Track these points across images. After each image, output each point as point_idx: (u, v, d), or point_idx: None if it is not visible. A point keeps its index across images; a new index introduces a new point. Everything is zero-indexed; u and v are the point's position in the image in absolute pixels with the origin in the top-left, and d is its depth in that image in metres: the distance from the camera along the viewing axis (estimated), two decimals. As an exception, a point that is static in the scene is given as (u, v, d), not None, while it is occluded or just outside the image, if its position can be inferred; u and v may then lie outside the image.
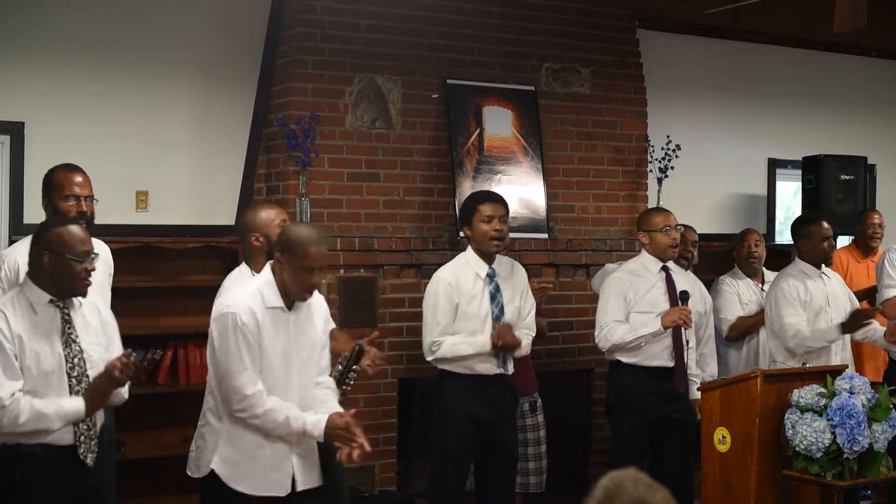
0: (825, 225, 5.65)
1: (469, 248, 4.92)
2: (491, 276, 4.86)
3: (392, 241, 5.79)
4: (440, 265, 5.29)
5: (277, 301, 3.71)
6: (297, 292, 3.73)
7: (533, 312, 5.04)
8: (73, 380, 3.62)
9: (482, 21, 6.27)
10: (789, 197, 8.12)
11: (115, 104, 5.71)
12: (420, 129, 6.07)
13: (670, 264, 5.28)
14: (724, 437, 4.89)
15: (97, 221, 4.48)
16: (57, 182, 4.34)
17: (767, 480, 4.79)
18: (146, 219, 5.77)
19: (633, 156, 6.74)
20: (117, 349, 3.86)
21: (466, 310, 4.81)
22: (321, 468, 4.34)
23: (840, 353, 5.56)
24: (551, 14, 6.50)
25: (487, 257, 4.88)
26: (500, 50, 6.33)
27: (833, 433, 4.56)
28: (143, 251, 5.58)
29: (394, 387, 5.83)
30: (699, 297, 5.39)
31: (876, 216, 6.78)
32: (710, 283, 6.39)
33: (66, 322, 3.66)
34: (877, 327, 5.60)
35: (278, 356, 3.70)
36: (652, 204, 6.70)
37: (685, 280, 5.33)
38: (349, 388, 4.28)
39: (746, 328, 6.12)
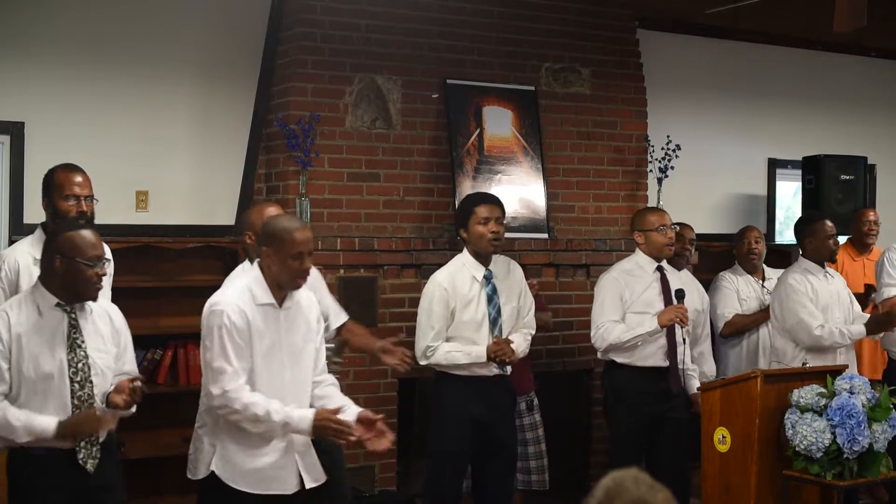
0: (829, 223, 5.68)
1: (465, 251, 4.88)
2: (488, 278, 4.84)
3: (392, 241, 5.79)
4: (440, 265, 5.28)
5: (268, 298, 3.71)
6: (291, 281, 3.73)
7: (532, 310, 5.03)
8: (76, 385, 3.61)
9: (482, 21, 6.27)
10: (789, 197, 8.12)
11: (115, 104, 5.71)
12: (420, 129, 6.07)
13: (664, 264, 5.28)
14: (724, 437, 4.89)
15: (97, 221, 4.46)
16: (57, 182, 4.34)
17: (767, 480, 4.79)
18: (146, 219, 5.77)
19: (633, 156, 6.74)
20: (130, 360, 3.87)
21: (462, 316, 4.78)
22: (323, 469, 4.36)
23: (845, 353, 5.58)
24: (551, 14, 6.50)
25: (484, 259, 4.85)
26: (500, 50, 6.33)
27: (833, 433, 4.57)
28: (143, 251, 5.58)
29: (394, 387, 5.83)
30: (696, 295, 5.40)
31: (871, 213, 6.79)
32: (709, 283, 6.40)
33: (73, 327, 3.65)
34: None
35: (269, 353, 3.69)
36: (652, 204, 6.70)
37: (679, 279, 5.34)
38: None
39: (742, 326, 6.12)
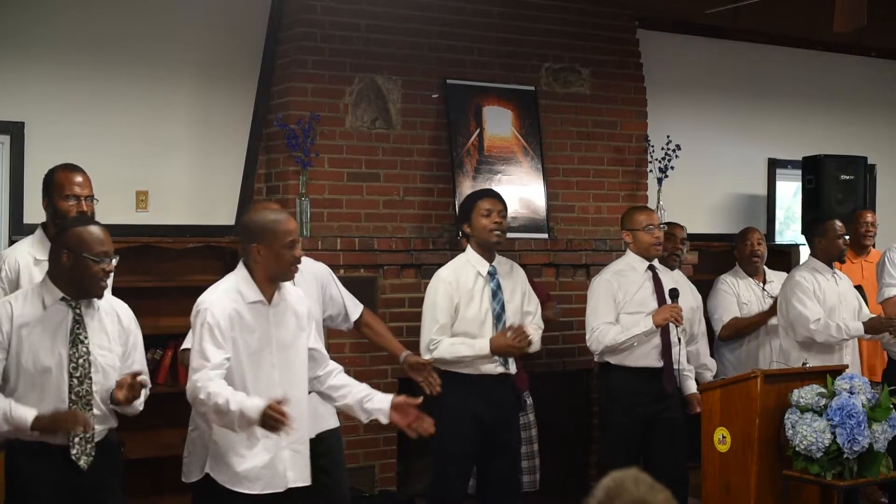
0: (839, 223, 5.76)
1: (469, 248, 4.90)
2: (492, 274, 4.85)
3: (392, 241, 5.79)
4: (440, 265, 5.28)
5: (257, 296, 3.70)
6: (287, 271, 3.73)
7: (539, 311, 5.04)
8: (75, 380, 3.62)
9: (482, 21, 6.27)
10: (789, 197, 8.12)
11: (115, 104, 5.71)
12: (420, 129, 6.07)
13: (655, 263, 5.28)
14: (724, 437, 4.89)
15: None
16: (57, 182, 4.34)
17: (767, 480, 4.79)
18: (146, 219, 5.77)
19: (633, 156, 6.74)
20: (139, 360, 3.87)
21: (465, 312, 4.79)
22: (323, 469, 4.36)
23: (850, 354, 5.60)
24: (551, 14, 6.50)
25: (488, 254, 4.87)
26: (500, 50, 6.33)
27: (833, 433, 4.57)
28: (143, 251, 5.57)
29: (394, 387, 5.82)
30: (689, 293, 5.41)
31: (868, 215, 6.79)
32: (709, 284, 6.40)
33: (77, 322, 3.66)
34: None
35: (258, 350, 3.68)
36: (652, 204, 6.70)
37: (671, 279, 5.34)
38: None
39: (741, 328, 6.11)
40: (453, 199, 6.00)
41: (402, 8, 6.03)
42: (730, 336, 6.14)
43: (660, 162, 6.75)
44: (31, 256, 4.17)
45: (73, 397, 3.62)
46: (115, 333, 3.76)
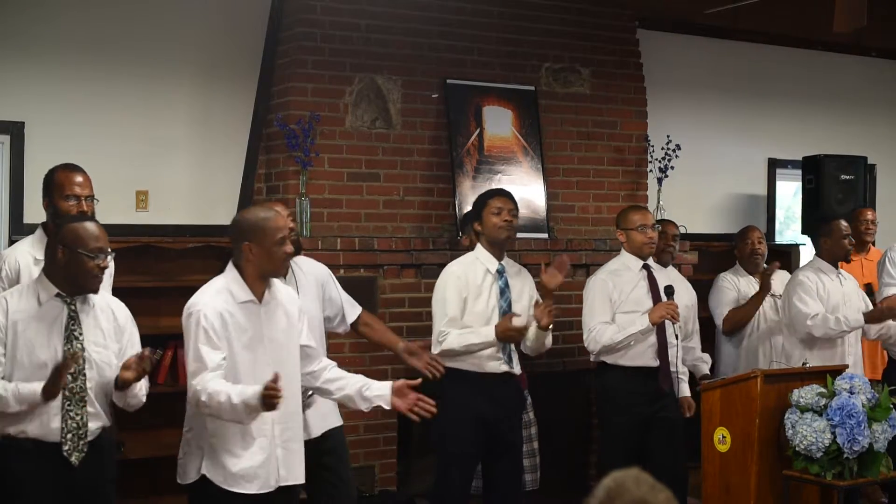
0: (844, 223, 5.76)
1: (479, 246, 4.93)
2: (500, 272, 4.88)
3: (392, 241, 5.79)
4: (440, 265, 5.28)
5: (248, 295, 3.70)
6: (279, 267, 3.74)
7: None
8: (69, 376, 3.61)
9: (482, 21, 6.27)
10: (789, 197, 8.12)
11: (115, 104, 5.71)
12: (420, 129, 6.07)
13: (650, 262, 5.29)
14: (724, 437, 4.89)
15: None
16: (57, 182, 4.34)
17: (767, 480, 4.79)
18: (146, 219, 5.77)
19: (633, 156, 6.74)
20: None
21: (473, 307, 4.81)
22: (328, 467, 4.36)
23: (853, 354, 5.59)
24: (551, 14, 6.50)
25: (498, 252, 4.90)
26: (500, 50, 6.33)
27: (833, 433, 4.57)
28: (143, 251, 5.57)
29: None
30: (684, 291, 5.41)
31: (868, 213, 6.79)
32: (709, 284, 6.40)
33: (72, 318, 3.67)
34: (889, 324, 5.68)
35: (251, 350, 3.68)
36: (652, 204, 6.70)
37: (666, 277, 5.34)
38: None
39: (740, 318, 6.11)
40: (453, 199, 6.00)
41: (402, 8, 6.03)
42: (732, 329, 6.14)
43: (660, 162, 6.75)
44: (31, 256, 4.18)
45: (67, 393, 3.63)
46: (111, 330, 3.77)
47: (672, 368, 5.16)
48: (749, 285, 6.24)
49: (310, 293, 4.45)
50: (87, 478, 3.69)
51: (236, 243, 3.74)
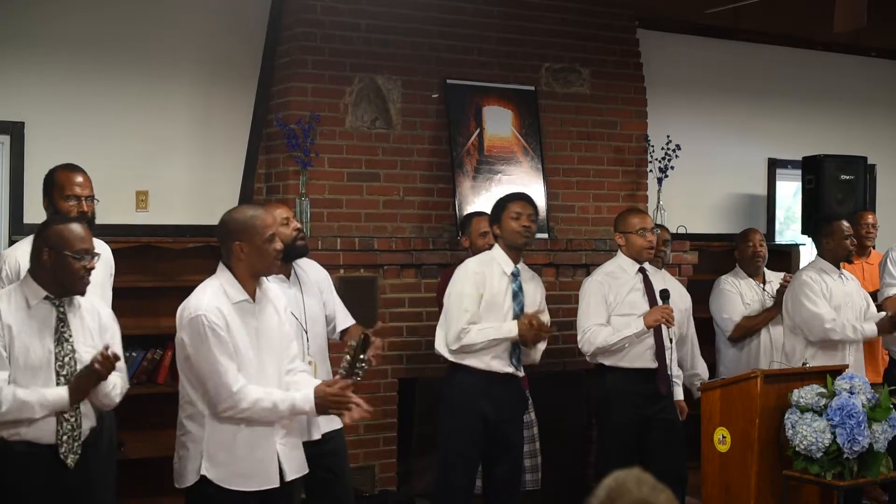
0: (846, 223, 5.77)
1: (496, 247, 4.95)
2: (515, 275, 4.89)
3: (392, 241, 5.79)
4: (440, 265, 5.29)
5: (242, 295, 3.70)
6: (271, 265, 3.74)
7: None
8: (62, 378, 3.62)
9: (482, 21, 6.27)
10: (789, 197, 8.12)
11: (115, 104, 5.71)
12: (420, 129, 6.07)
13: (646, 265, 5.29)
14: (724, 437, 4.89)
15: (97, 221, 4.48)
16: (58, 182, 4.34)
17: (767, 480, 4.79)
18: (146, 219, 5.77)
19: (633, 156, 6.74)
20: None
21: (487, 305, 4.83)
22: (329, 469, 4.36)
23: (854, 354, 5.60)
24: (551, 14, 6.50)
25: (515, 255, 4.92)
26: (500, 50, 6.33)
27: (833, 433, 4.57)
28: (143, 251, 5.57)
29: (394, 387, 5.83)
30: (678, 295, 5.41)
31: (869, 216, 6.79)
32: (709, 284, 6.40)
33: (61, 320, 3.66)
34: None
35: (250, 348, 3.68)
36: (652, 204, 6.70)
37: (662, 280, 5.34)
38: (360, 377, 4.26)
39: (751, 328, 6.13)
40: (453, 199, 6.00)
41: (402, 8, 6.02)
42: (740, 336, 6.15)
43: (660, 162, 6.74)
44: (31, 256, 4.17)
45: None
46: (97, 331, 3.77)
47: (667, 369, 5.16)
48: (750, 288, 6.24)
49: (313, 295, 4.47)
50: (81, 478, 3.68)
51: (226, 243, 3.73)
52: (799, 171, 7.48)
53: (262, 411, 3.61)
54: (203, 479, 3.65)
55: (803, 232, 7.28)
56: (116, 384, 3.79)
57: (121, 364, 3.82)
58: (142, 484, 5.44)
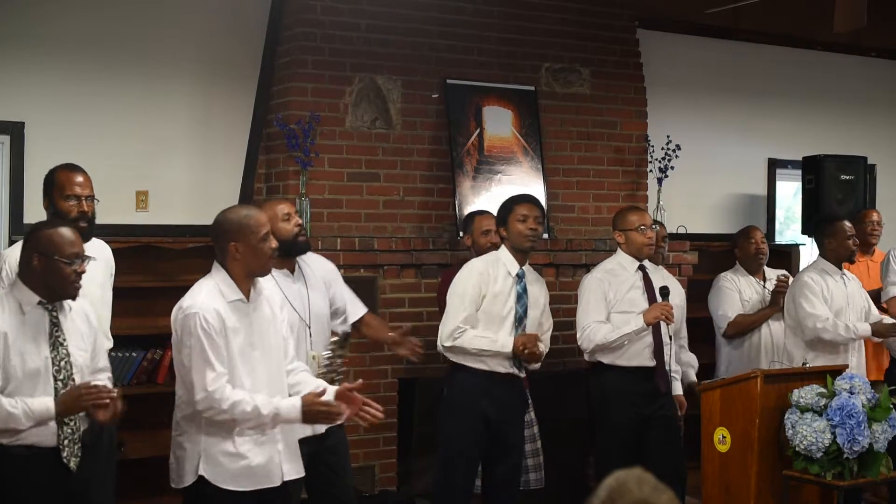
0: (848, 224, 5.79)
1: (503, 248, 4.95)
2: (520, 277, 4.90)
3: (392, 241, 5.79)
4: (440, 265, 5.29)
5: (237, 294, 3.70)
6: (266, 264, 3.74)
7: (550, 332, 5.08)
8: (59, 383, 3.60)
9: (482, 21, 6.27)
10: (789, 197, 8.12)
11: (115, 104, 5.71)
12: (420, 129, 6.07)
13: (646, 263, 5.29)
14: (724, 437, 4.89)
15: (97, 221, 4.47)
16: (58, 182, 4.33)
17: (767, 480, 4.79)
18: (146, 219, 5.77)
19: (633, 156, 6.74)
20: (103, 356, 3.88)
21: (490, 306, 4.83)
22: (330, 466, 4.36)
23: (857, 356, 5.60)
24: (551, 14, 6.50)
25: (521, 257, 4.93)
26: (500, 50, 6.33)
27: (833, 433, 4.57)
28: (143, 251, 5.57)
29: (394, 387, 5.83)
30: (675, 292, 5.41)
31: (874, 214, 6.79)
32: (709, 284, 6.40)
33: (55, 325, 3.64)
34: None
35: (245, 349, 3.68)
36: (652, 204, 6.70)
37: (661, 278, 5.34)
38: (340, 378, 4.27)
39: (746, 325, 6.12)
40: (453, 199, 6.00)
41: (402, 8, 6.02)
42: (735, 333, 6.15)
43: (660, 162, 6.74)
44: (31, 256, 4.16)
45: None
46: (87, 333, 3.76)
47: (666, 367, 5.16)
48: (749, 286, 6.24)
49: (318, 290, 4.46)
50: (82, 479, 3.68)
51: (221, 244, 3.72)
52: (799, 171, 7.48)
53: (243, 414, 3.55)
54: (200, 479, 3.64)
55: (803, 232, 7.28)
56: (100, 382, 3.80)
57: (108, 365, 3.86)
58: (142, 484, 5.44)
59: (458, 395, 4.84)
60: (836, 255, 5.70)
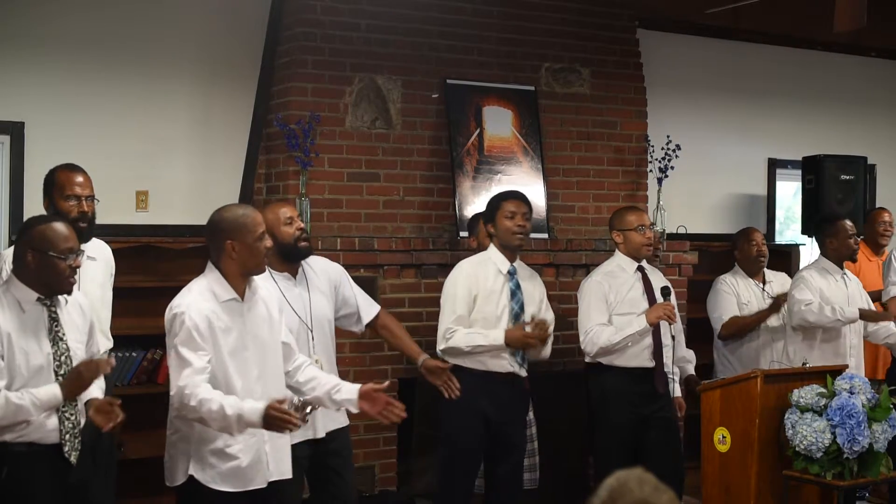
0: (849, 223, 5.80)
1: (491, 246, 4.95)
2: (512, 273, 4.89)
3: (392, 241, 5.78)
4: (440, 265, 5.29)
5: (230, 294, 3.70)
6: (260, 263, 3.74)
7: (553, 324, 5.06)
8: (60, 377, 3.60)
9: (482, 21, 6.27)
10: (789, 197, 8.12)
11: (115, 104, 5.71)
12: (420, 129, 6.07)
13: (644, 263, 5.29)
14: (724, 437, 4.89)
15: (97, 221, 4.48)
16: (58, 182, 4.34)
17: (767, 480, 4.79)
18: (146, 219, 5.77)
19: (633, 156, 6.73)
20: (96, 340, 3.87)
21: (484, 306, 4.83)
22: (332, 468, 4.36)
23: (855, 356, 5.60)
24: (551, 14, 6.50)
25: (510, 255, 4.92)
26: (500, 50, 6.33)
27: (833, 433, 4.57)
28: (143, 251, 5.57)
29: (394, 387, 5.82)
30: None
31: (886, 214, 6.79)
32: (709, 284, 6.40)
33: (54, 320, 3.64)
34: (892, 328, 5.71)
35: (237, 349, 3.67)
36: (652, 204, 6.70)
37: (660, 278, 5.34)
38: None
39: (741, 327, 6.11)
40: (453, 199, 6.00)
41: (402, 8, 6.02)
42: (730, 335, 6.14)
43: (660, 162, 6.74)
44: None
45: None
46: (82, 325, 3.77)
47: (665, 369, 5.16)
48: (748, 288, 6.23)
49: (321, 293, 4.44)
50: (82, 477, 3.68)
51: (217, 243, 3.73)
52: (799, 171, 7.48)
53: (209, 413, 3.50)
54: (191, 478, 3.65)
55: (803, 232, 7.28)
56: (95, 383, 3.79)
57: (101, 347, 3.87)
58: (142, 484, 5.44)
59: (459, 395, 4.84)
60: (838, 254, 5.70)
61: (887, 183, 8.38)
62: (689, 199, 7.28)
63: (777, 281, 6.25)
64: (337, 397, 3.83)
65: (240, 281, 3.73)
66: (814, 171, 7.25)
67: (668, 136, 6.78)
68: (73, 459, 3.63)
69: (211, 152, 5.94)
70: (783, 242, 7.85)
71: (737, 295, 6.19)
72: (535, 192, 6.24)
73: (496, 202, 4.97)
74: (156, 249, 5.64)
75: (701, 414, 5.03)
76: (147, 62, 5.78)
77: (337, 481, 4.40)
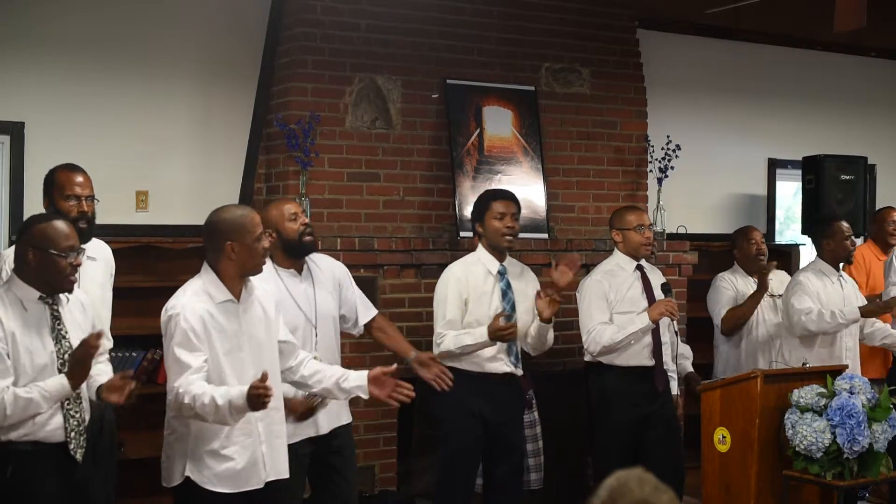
0: (846, 224, 5.79)
1: (480, 247, 4.94)
2: (502, 273, 4.88)
3: (392, 241, 5.78)
4: (440, 265, 5.28)
5: (226, 295, 3.71)
6: (259, 264, 3.74)
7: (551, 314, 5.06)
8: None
9: (482, 21, 6.27)
10: (789, 197, 8.12)
11: (115, 104, 5.71)
12: (420, 129, 6.07)
13: (643, 262, 5.29)
14: (724, 437, 4.89)
15: (97, 221, 4.47)
16: (58, 182, 4.34)
17: (767, 480, 4.79)
18: (146, 219, 5.77)
19: (633, 156, 6.73)
20: (97, 324, 3.88)
21: (475, 308, 4.82)
22: (334, 467, 4.36)
23: (851, 357, 5.59)
24: (551, 14, 6.50)
25: (499, 254, 4.91)
26: (500, 50, 6.32)
27: (833, 433, 4.57)
28: (143, 251, 5.57)
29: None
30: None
31: (895, 213, 6.77)
32: (709, 284, 6.40)
33: (56, 318, 3.65)
34: (893, 332, 5.71)
35: (233, 350, 3.67)
36: (652, 204, 6.70)
37: (658, 276, 5.34)
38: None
39: (739, 317, 6.10)
40: (453, 199, 6.00)
41: (402, 8, 6.02)
42: (731, 328, 6.13)
43: (660, 162, 6.74)
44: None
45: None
46: (83, 322, 3.77)
47: (665, 367, 5.16)
48: (747, 286, 6.23)
49: (326, 290, 4.45)
50: (86, 475, 3.69)
51: (215, 244, 3.73)
52: (799, 171, 7.49)
53: (203, 408, 3.50)
54: (188, 479, 3.66)
55: (803, 232, 7.28)
56: (103, 371, 3.80)
57: (103, 358, 3.88)
58: (142, 484, 5.44)
59: (454, 396, 4.83)
60: (834, 255, 5.70)
61: (887, 183, 8.38)
62: (689, 199, 7.28)
63: (776, 279, 6.25)
64: (346, 385, 3.85)
65: (236, 282, 3.73)
66: (814, 171, 7.25)
67: (668, 136, 6.78)
68: (78, 457, 3.64)
69: (211, 152, 5.94)
70: (783, 242, 7.85)
71: (735, 291, 6.19)
72: (535, 192, 6.25)
73: (484, 201, 4.95)
74: (156, 249, 5.64)
75: (701, 414, 5.03)
76: (147, 62, 5.78)
77: (338, 480, 4.40)
